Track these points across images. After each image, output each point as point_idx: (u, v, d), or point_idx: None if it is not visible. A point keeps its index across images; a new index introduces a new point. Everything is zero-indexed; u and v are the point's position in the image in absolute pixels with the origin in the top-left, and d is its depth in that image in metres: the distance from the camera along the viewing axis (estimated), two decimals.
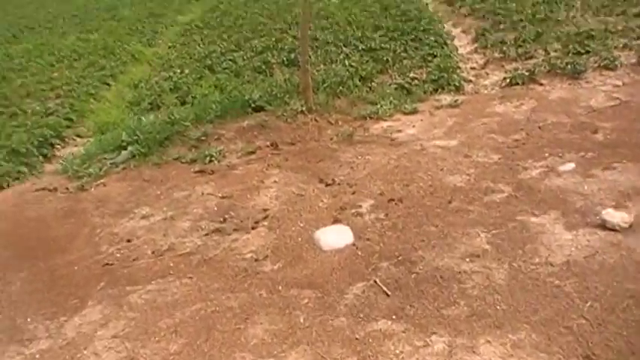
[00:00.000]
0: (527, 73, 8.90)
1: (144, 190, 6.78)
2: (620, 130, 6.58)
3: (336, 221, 5.56)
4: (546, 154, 6.26)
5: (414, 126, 7.74)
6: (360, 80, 9.82)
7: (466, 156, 6.50)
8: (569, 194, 5.43)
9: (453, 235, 5.09)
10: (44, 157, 9.11)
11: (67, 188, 7.13)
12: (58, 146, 9.72)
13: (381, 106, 8.46)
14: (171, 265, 5.27)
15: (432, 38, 11.77)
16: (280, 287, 4.75)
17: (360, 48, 12.00)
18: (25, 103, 11.98)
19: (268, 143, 7.46)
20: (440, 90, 9.25)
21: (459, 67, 10.04)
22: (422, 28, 12.48)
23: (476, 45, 11.54)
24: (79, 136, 10.31)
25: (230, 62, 12.53)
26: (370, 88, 9.70)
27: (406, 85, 9.50)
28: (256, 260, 5.13)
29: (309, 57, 8.85)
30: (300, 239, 5.35)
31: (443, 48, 11.29)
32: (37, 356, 4.44)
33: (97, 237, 5.98)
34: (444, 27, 12.84)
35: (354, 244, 5.17)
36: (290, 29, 14.57)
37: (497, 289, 4.34)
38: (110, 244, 5.78)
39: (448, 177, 6.10)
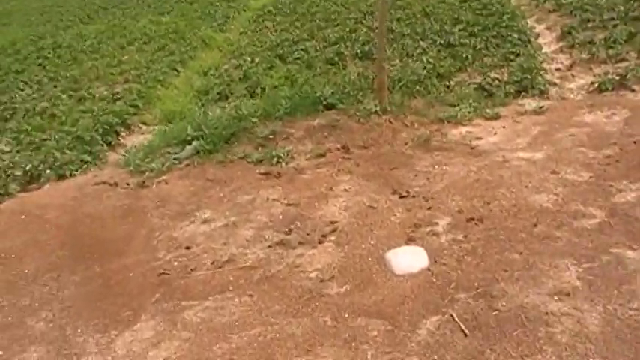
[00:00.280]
0: (617, 78, 8.20)
1: (206, 190, 6.44)
2: None
3: (409, 240, 5.10)
4: None
5: (495, 133, 7.19)
6: (437, 78, 9.30)
7: (553, 172, 5.93)
8: None
9: (539, 266, 4.55)
10: (108, 145, 8.92)
11: (128, 184, 6.86)
12: (123, 134, 9.51)
13: (460, 108, 7.93)
14: (231, 279, 4.90)
15: (515, 35, 11.10)
16: (347, 314, 4.32)
17: (437, 43, 11.43)
18: (93, 87, 11.87)
19: (339, 146, 7.02)
20: (523, 93, 8.65)
21: (544, 69, 9.37)
22: (504, 24, 11.80)
23: (561, 44, 10.82)
24: (144, 123, 10.11)
25: (302, 52, 12.13)
26: (448, 87, 9.17)
27: (486, 86, 8.92)
28: (322, 280, 4.71)
29: (386, 52, 8.31)
30: (370, 259, 4.91)
31: (526, 46, 10.63)
32: None
33: (155, 240, 5.67)
34: (527, 23, 12.11)
35: (429, 269, 4.70)
36: (365, 19, 14.07)
37: (590, 337, 3.81)
38: (168, 250, 5.46)
39: (533, 196, 5.55)
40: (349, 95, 8.27)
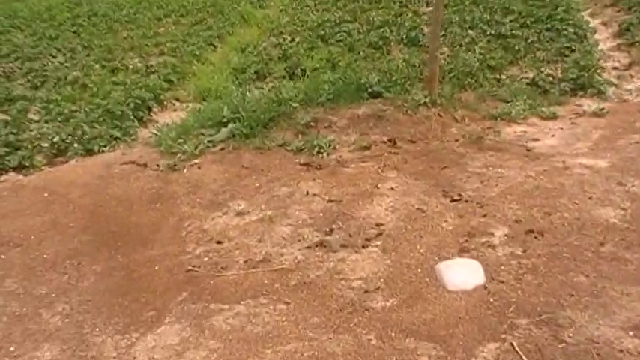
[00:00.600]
0: None
1: (241, 179, 5.99)
2: None
3: (463, 251, 4.61)
4: None
5: (552, 135, 6.67)
6: (488, 70, 8.78)
7: (619, 184, 5.41)
8: None
9: (610, 293, 4.05)
10: (139, 120, 8.58)
11: (158, 165, 6.43)
12: (155, 110, 9.15)
13: (514, 105, 7.42)
14: (265, 282, 4.46)
15: (570, 29, 10.53)
16: (393, 333, 3.86)
17: (487, 33, 10.92)
18: (127, 58, 11.51)
19: (385, 139, 6.55)
20: (579, 92, 8.12)
21: (601, 67, 8.81)
22: (558, 17, 11.21)
23: (618, 41, 10.26)
24: (178, 99, 9.75)
25: (344, 34, 11.66)
26: (498, 80, 8.67)
27: (540, 83, 8.44)
28: (366, 292, 4.25)
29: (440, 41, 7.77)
30: (419, 270, 4.44)
31: (582, 42, 10.08)
32: None
33: (184, 231, 5.25)
34: (582, 17, 11.48)
35: (485, 287, 4.22)
36: (410, 3, 13.55)
37: None
38: (198, 243, 5.03)
39: (598, 209, 5.04)
40: (396, 84, 7.77)
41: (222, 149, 6.63)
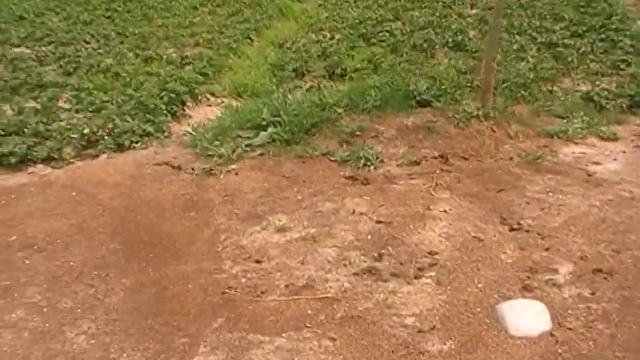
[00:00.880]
0: None
1: (282, 190, 5.61)
2: None
3: (525, 289, 4.20)
4: None
5: (615, 159, 6.23)
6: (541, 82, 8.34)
7: None
8: None
9: None
10: (173, 115, 8.19)
11: (193, 169, 6.06)
12: (189, 104, 8.77)
13: (571, 123, 6.97)
14: (309, 312, 4.07)
15: (627, 41, 10.04)
16: None
17: (537, 40, 10.46)
18: (161, 48, 11.18)
19: (436, 154, 6.13)
20: (638, 110, 7.65)
21: None
22: (613, 26, 10.74)
23: None
24: (212, 94, 9.40)
25: (386, 34, 11.27)
26: (551, 92, 8.20)
27: (595, 98, 7.99)
28: (420, 331, 3.85)
29: (496, 54, 7.30)
30: (478, 309, 4.03)
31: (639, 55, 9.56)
32: None
33: (219, 245, 4.88)
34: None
35: (552, 334, 3.80)
36: (454, 4, 13.08)
37: None
38: (235, 261, 4.65)
39: None
40: (446, 92, 7.34)
41: (261, 155, 6.24)
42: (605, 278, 4.29)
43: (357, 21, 12.16)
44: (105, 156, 6.94)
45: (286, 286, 4.34)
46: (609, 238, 4.75)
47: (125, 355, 3.80)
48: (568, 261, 4.49)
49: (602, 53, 9.80)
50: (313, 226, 5.03)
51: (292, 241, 4.86)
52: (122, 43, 11.58)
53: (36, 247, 4.91)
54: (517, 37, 10.71)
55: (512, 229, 4.89)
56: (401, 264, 4.49)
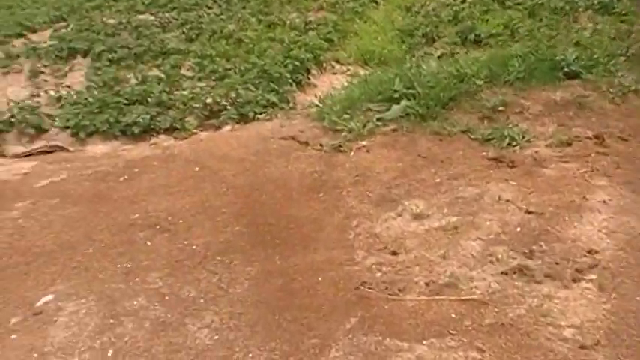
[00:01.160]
0: None
1: (418, 170, 5.11)
2: None
3: None
4: None
5: None
6: None
7: None
8: None
9: None
10: (297, 84, 7.81)
11: (321, 145, 5.66)
12: (314, 72, 8.37)
13: None
14: (453, 315, 3.59)
15: None
16: None
17: None
18: (284, 12, 10.79)
19: (590, 134, 5.42)
20: None
21: None
22: None
23: None
24: (338, 61, 8.97)
25: None
26: None
27: None
28: (582, 347, 3.28)
29: None
30: None
31: None
32: None
33: (351, 232, 4.45)
34: None
35: None
36: None
37: None
38: (368, 251, 4.21)
39: None
40: (598, 62, 6.55)
41: (394, 130, 5.75)
42: None
43: None
44: (228, 127, 6.69)
45: (426, 283, 3.86)
46: None
47: (250, 355, 3.45)
48: None
49: None
50: (454, 213, 4.51)
51: (431, 230, 4.37)
52: (244, 8, 11.28)
53: (158, 227, 4.66)
54: None
55: None
56: (556, 263, 3.91)
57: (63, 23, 10.70)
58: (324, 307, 3.77)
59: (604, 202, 4.51)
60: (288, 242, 4.39)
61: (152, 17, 10.84)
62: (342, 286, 3.91)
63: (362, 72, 8.43)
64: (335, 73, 8.60)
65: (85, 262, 4.29)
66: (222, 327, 3.67)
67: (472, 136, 5.52)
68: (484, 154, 5.27)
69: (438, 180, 4.96)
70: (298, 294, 3.89)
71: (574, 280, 3.77)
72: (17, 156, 6.74)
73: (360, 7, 10.87)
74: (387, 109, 5.97)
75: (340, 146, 5.56)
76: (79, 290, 4.01)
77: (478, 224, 4.36)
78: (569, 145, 5.30)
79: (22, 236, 4.67)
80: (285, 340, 3.54)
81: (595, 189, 4.68)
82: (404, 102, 5.94)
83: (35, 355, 3.47)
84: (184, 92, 7.55)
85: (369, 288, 3.85)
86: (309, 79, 8.18)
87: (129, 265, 4.25)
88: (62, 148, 6.86)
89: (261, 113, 6.88)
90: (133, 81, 8.04)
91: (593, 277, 3.79)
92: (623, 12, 9.15)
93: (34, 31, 10.29)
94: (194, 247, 4.42)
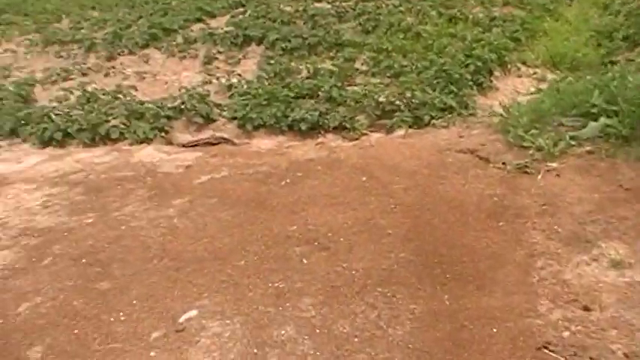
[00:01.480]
0: None
1: (618, 205, 4.34)
2: None
3: None
4: None
5: None
6: None
7: None
8: None
9: None
10: (478, 87, 7.18)
11: (504, 163, 5.04)
12: (497, 74, 7.70)
13: None
14: None
15: None
16: None
17: None
18: (467, 6, 10.21)
19: None
20: None
21: None
22: None
23: None
24: (524, 63, 8.24)
25: None
26: None
27: None
28: None
29: None
30: None
31: None
32: None
33: (535, 275, 3.83)
34: None
35: None
36: None
37: None
38: (554, 302, 3.58)
39: None
40: None
41: (589, 152, 5.00)
42: None
43: None
44: (401, 131, 6.23)
45: (626, 355, 3.18)
46: None
47: None
48: None
49: None
50: None
51: (634, 284, 3.65)
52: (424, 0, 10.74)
53: (316, 244, 4.29)
54: None
55: None
56: None
57: (241, 9, 10.69)
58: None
59: None
60: (461, 279, 3.85)
61: (329, 6, 10.59)
62: (520, 344, 3.32)
63: (550, 77, 7.68)
64: (520, 76, 7.89)
65: (235, 276, 4.00)
66: None
67: None
68: None
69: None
70: (468, 347, 3.35)
71: None
72: (184, 145, 6.66)
73: (551, 3, 10.03)
74: (583, 127, 5.22)
75: (526, 166, 4.91)
76: (225, 309, 3.70)
77: None
78: None
79: (175, 238, 4.47)
80: None
81: None
82: (603, 119, 5.16)
83: None
84: (356, 88, 7.18)
85: (553, 352, 3.23)
86: (491, 81, 7.53)
87: (281, 286, 3.90)
88: (227, 141, 6.70)
89: (437, 118, 6.36)
90: (305, 73, 7.82)
91: None
92: None
93: (213, 16, 10.36)
94: (353, 272, 3.99)
